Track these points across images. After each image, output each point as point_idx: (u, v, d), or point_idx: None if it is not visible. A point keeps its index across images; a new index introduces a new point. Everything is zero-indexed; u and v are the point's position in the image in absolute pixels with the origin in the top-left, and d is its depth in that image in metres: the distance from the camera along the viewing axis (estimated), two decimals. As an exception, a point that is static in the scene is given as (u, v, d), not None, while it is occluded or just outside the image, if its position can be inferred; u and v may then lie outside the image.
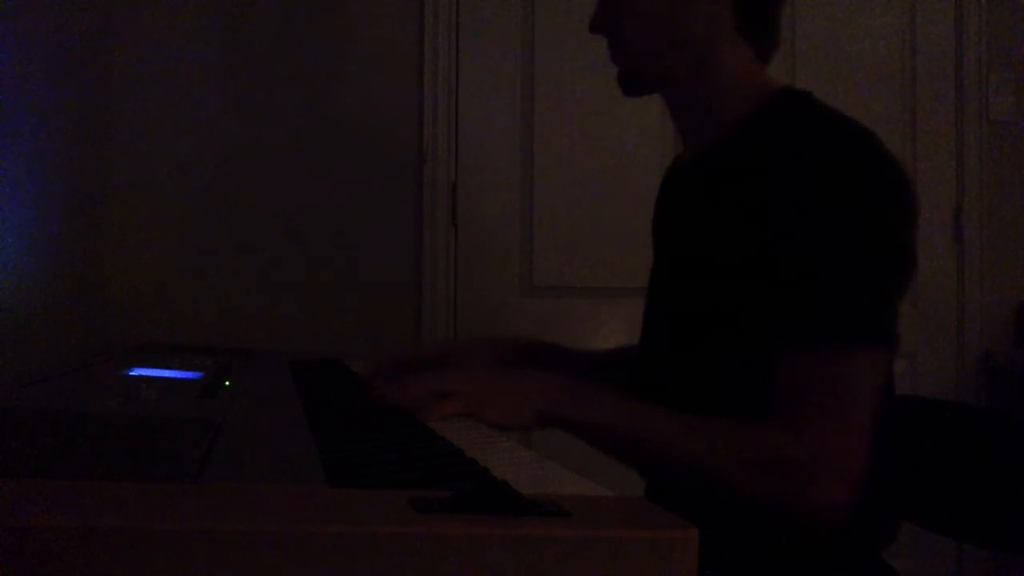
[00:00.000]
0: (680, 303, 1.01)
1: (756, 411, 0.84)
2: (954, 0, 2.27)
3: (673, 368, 1.01)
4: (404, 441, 0.77)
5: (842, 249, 0.83)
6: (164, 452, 0.62)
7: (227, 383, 1.05)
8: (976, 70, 2.27)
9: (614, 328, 1.98)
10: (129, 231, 1.80)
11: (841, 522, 0.80)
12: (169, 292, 1.81)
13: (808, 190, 0.85)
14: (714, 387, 0.92)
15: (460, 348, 1.35)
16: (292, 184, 1.88)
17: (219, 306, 1.84)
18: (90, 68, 1.69)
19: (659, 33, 0.98)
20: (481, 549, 0.33)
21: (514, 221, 2.01)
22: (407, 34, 1.95)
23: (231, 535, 0.32)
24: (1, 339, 1.19)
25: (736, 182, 0.93)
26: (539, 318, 2.00)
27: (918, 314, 2.22)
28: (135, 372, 1.14)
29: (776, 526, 0.84)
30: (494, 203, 2.00)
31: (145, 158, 1.81)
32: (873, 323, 0.83)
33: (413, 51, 1.95)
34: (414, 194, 1.94)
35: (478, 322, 1.96)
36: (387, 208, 1.93)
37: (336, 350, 1.74)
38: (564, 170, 2.02)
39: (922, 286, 2.22)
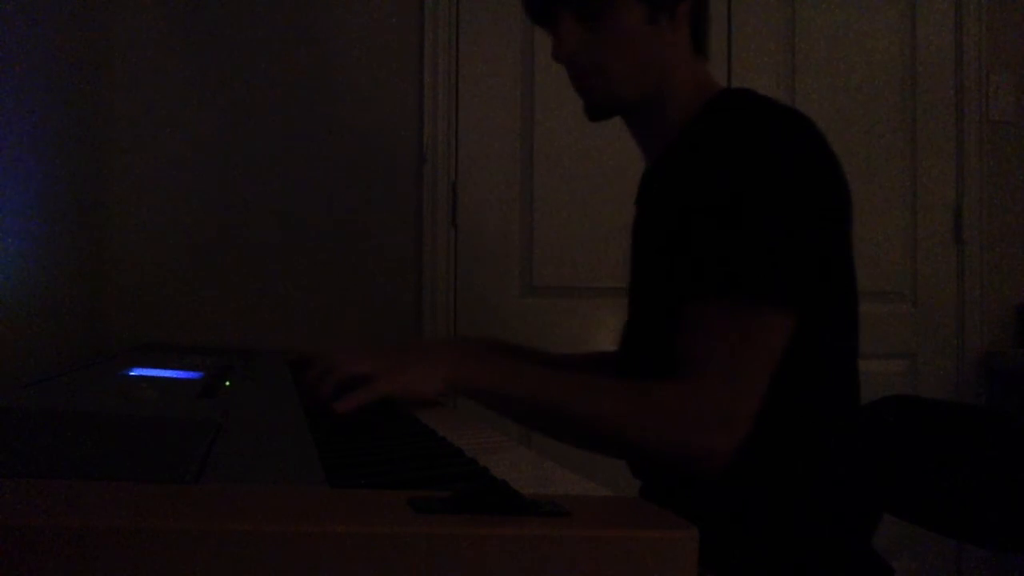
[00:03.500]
0: (652, 303, 1.02)
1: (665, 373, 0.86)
2: (954, 0, 2.27)
3: (651, 365, 1.02)
4: (404, 441, 0.78)
5: (745, 216, 0.85)
6: (164, 452, 0.62)
7: (227, 383, 1.05)
8: (976, 70, 2.27)
9: (614, 328, 1.97)
10: (129, 231, 1.80)
11: (724, 470, 0.81)
12: (169, 292, 1.81)
13: (723, 164, 0.88)
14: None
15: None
16: (292, 184, 1.88)
17: (219, 306, 1.84)
18: (90, 69, 1.69)
19: (632, 62, 1.00)
20: (481, 549, 0.33)
21: (514, 221, 2.01)
22: (407, 34, 1.94)
23: (231, 535, 0.32)
24: (1, 339, 1.19)
25: (681, 181, 0.95)
26: (539, 318, 2.00)
27: (918, 314, 2.22)
28: (135, 372, 1.14)
29: (667, 472, 0.86)
30: (494, 203, 2.00)
31: (145, 158, 1.81)
32: (772, 285, 0.84)
33: (413, 51, 1.95)
34: (414, 194, 1.94)
35: (478, 322, 1.96)
36: (387, 208, 1.93)
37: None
38: (564, 170, 2.02)
39: (922, 286, 2.22)
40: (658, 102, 1.01)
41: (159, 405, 0.86)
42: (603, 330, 1.98)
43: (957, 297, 2.25)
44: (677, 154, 0.99)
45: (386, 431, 0.82)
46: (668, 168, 1.01)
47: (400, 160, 1.94)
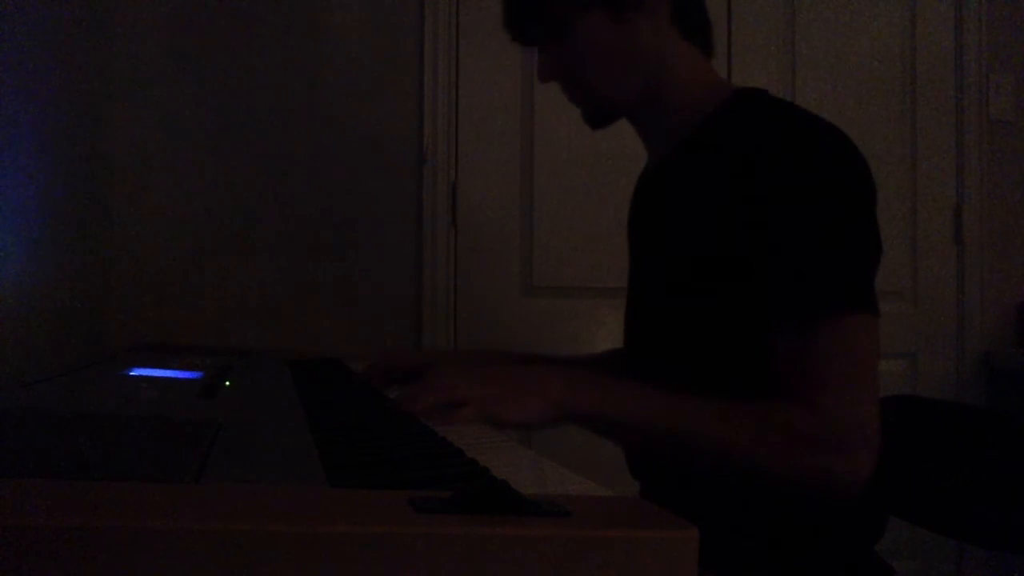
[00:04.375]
0: (665, 302, 1.01)
1: (749, 396, 0.85)
2: (954, 0, 2.27)
3: (661, 366, 1.01)
4: (404, 441, 0.77)
5: (819, 228, 0.85)
6: (164, 452, 0.62)
7: (227, 383, 1.05)
8: (976, 70, 2.27)
9: (614, 328, 1.97)
10: (129, 231, 1.80)
11: (864, 488, 0.81)
12: (169, 292, 1.81)
13: (777, 178, 0.87)
14: (704, 378, 0.93)
15: (457, 356, 1.35)
16: (292, 184, 1.88)
17: (219, 306, 1.84)
18: (90, 68, 1.69)
19: (611, 65, 0.99)
20: (481, 549, 0.33)
21: (514, 221, 2.01)
22: (407, 34, 1.95)
23: (231, 535, 0.32)
24: (1, 339, 1.19)
25: (708, 181, 0.94)
26: (539, 318, 2.00)
27: (918, 314, 2.22)
28: (135, 372, 1.14)
29: (805, 500, 0.85)
30: (494, 203, 2.00)
31: (145, 158, 1.81)
32: (860, 291, 0.85)
33: (413, 51, 1.95)
34: (414, 194, 1.94)
35: (478, 322, 1.96)
36: (387, 208, 1.93)
37: (336, 350, 1.74)
38: (564, 170, 2.02)
39: (922, 286, 2.22)
40: (656, 97, 1.00)
41: (159, 405, 0.86)
42: (603, 330, 1.98)
43: (957, 297, 2.25)
44: (697, 155, 0.97)
45: (386, 431, 0.82)
46: (686, 169, 0.99)
47: (400, 160, 1.94)
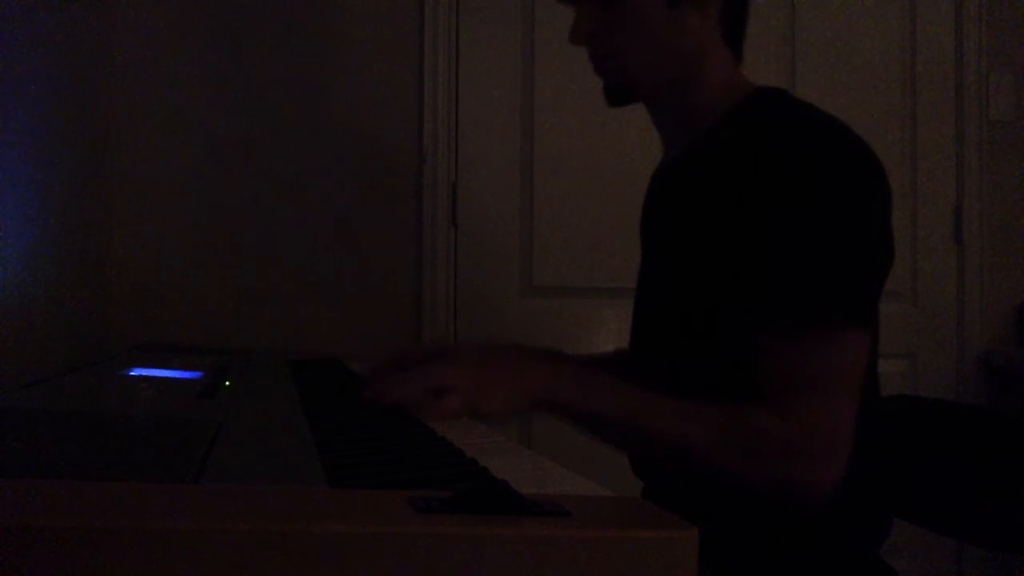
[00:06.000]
0: (669, 301, 1.01)
1: (745, 399, 0.85)
2: (954, 0, 2.27)
3: (663, 366, 1.01)
4: (404, 441, 0.77)
5: (817, 235, 0.84)
6: (164, 452, 0.62)
7: (227, 383, 1.05)
8: (976, 70, 2.26)
9: (614, 328, 1.98)
10: (129, 231, 1.80)
11: (829, 499, 0.81)
12: (169, 292, 1.81)
13: (781, 180, 0.86)
14: (705, 380, 0.93)
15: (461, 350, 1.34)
16: (292, 184, 1.88)
17: (219, 306, 1.84)
18: (90, 68, 1.69)
19: (649, 47, 0.98)
20: (481, 549, 0.33)
21: (514, 221, 2.01)
22: (407, 34, 1.94)
23: (231, 535, 0.32)
24: (1, 339, 1.19)
25: (714, 179, 0.94)
26: (539, 318, 2.00)
27: (918, 314, 2.22)
28: (135, 372, 1.14)
29: (770, 506, 0.85)
30: (494, 203, 2.00)
31: (145, 158, 1.81)
32: (850, 304, 0.84)
33: (413, 51, 1.95)
34: (414, 194, 1.94)
35: (478, 322, 1.96)
36: (387, 208, 1.93)
37: (336, 350, 1.74)
38: (564, 170, 2.02)
39: (922, 286, 2.22)
40: (682, 90, 0.99)
41: (159, 405, 0.86)
42: (603, 330, 1.98)
43: (957, 297, 2.25)
44: (708, 153, 0.97)
45: (386, 431, 0.82)
46: (696, 166, 0.99)
47: (400, 160, 1.94)
